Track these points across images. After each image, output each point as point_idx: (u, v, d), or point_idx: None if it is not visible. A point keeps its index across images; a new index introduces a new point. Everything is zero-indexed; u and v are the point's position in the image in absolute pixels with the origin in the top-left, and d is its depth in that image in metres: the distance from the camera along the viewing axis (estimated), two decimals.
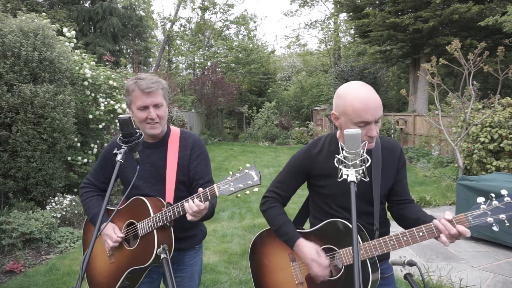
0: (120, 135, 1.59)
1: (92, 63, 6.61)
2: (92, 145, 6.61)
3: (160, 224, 1.69)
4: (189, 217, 1.60)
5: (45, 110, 5.00)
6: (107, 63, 8.08)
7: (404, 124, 12.88)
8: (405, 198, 1.76)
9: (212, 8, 29.50)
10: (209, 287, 3.68)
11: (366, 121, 1.52)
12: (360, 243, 1.56)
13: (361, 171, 1.28)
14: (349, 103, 1.54)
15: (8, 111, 4.81)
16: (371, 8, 16.17)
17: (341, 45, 27.22)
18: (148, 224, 1.72)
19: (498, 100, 6.88)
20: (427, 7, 13.50)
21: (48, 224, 4.74)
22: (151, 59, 28.64)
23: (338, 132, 1.77)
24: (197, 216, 1.60)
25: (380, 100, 1.55)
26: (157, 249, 1.68)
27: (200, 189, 1.61)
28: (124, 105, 6.79)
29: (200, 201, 1.58)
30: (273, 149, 17.10)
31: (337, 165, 1.32)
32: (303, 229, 1.79)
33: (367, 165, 1.31)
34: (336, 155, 1.33)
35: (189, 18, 33.43)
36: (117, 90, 7.01)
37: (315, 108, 22.34)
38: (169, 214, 1.68)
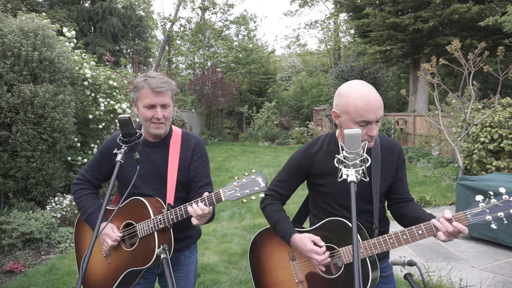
0: (120, 134, 1.59)
1: (92, 63, 6.61)
2: (92, 145, 6.61)
3: (161, 226, 1.69)
4: (194, 221, 1.59)
5: (45, 110, 5.01)
6: (107, 63, 8.08)
7: (404, 124, 12.89)
8: (405, 196, 1.77)
9: (212, 8, 29.51)
10: (209, 287, 3.68)
11: (368, 120, 1.52)
12: (359, 241, 1.56)
13: (361, 171, 1.29)
14: (351, 102, 1.54)
15: (8, 111, 4.81)
16: (371, 8, 16.17)
17: (341, 45, 27.23)
18: (148, 226, 1.71)
19: (498, 100, 6.88)
20: (427, 7, 13.50)
21: (48, 224, 4.74)
22: (151, 59, 28.64)
23: (337, 131, 1.78)
24: (201, 220, 1.60)
25: (381, 99, 1.56)
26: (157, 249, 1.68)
27: (206, 193, 1.60)
28: (124, 105, 6.79)
29: (205, 205, 1.58)
30: (273, 149, 17.10)
31: (337, 165, 1.33)
32: (303, 228, 1.80)
33: (367, 165, 1.31)
34: (336, 155, 1.34)
35: (189, 18, 33.49)
36: (117, 90, 7.01)
37: (315, 108, 22.36)
38: (171, 217, 1.68)
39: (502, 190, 1.37)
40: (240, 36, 31.17)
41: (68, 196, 5.57)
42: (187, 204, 1.64)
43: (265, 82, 26.47)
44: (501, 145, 6.91)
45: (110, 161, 1.90)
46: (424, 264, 4.11)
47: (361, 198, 1.67)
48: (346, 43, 26.89)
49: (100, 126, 6.61)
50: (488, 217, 1.36)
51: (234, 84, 21.58)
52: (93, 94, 6.44)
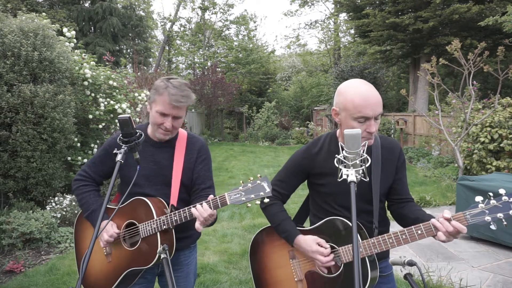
0: (120, 134, 1.59)
1: (92, 63, 6.61)
2: (92, 145, 6.61)
3: (164, 227, 1.69)
4: (198, 224, 1.59)
5: (45, 110, 5.01)
6: (107, 63, 8.08)
7: (404, 124, 12.89)
8: (405, 197, 1.77)
9: (212, 8, 29.50)
10: (209, 287, 3.68)
11: (366, 116, 1.53)
12: (359, 241, 1.56)
13: (361, 171, 1.29)
14: (349, 98, 1.55)
15: (8, 111, 4.81)
16: (371, 8, 16.16)
17: (341, 45, 27.23)
18: (151, 226, 1.72)
19: (498, 100, 6.88)
20: (427, 7, 13.50)
21: (48, 224, 4.74)
22: (151, 59, 28.64)
23: (337, 131, 1.78)
24: (204, 223, 1.60)
25: (380, 97, 1.57)
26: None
27: (211, 196, 1.61)
28: (124, 105, 6.79)
29: (210, 207, 1.58)
30: (273, 149, 17.10)
31: (337, 165, 1.33)
32: (303, 227, 1.80)
33: (367, 165, 1.31)
34: (336, 155, 1.34)
35: (189, 18, 33.47)
36: (117, 90, 7.01)
37: (315, 108, 22.36)
38: (175, 218, 1.68)
39: (501, 191, 1.38)
40: (240, 36, 31.19)
41: (68, 196, 5.57)
42: (191, 206, 1.64)
43: (265, 82, 26.47)
44: (501, 145, 6.91)
45: (112, 157, 1.91)
46: (424, 264, 4.11)
47: (361, 198, 1.67)
48: (346, 43, 26.90)
49: (100, 126, 6.61)
50: (488, 218, 1.37)
51: (234, 84, 21.58)
52: (93, 94, 6.44)
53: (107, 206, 1.92)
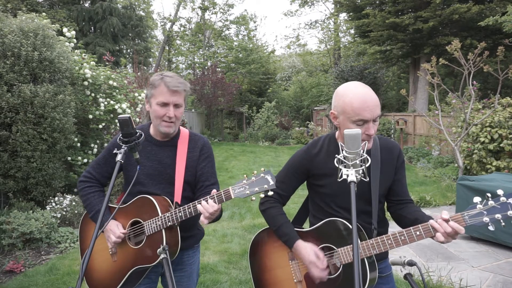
0: (121, 134, 1.59)
1: (92, 63, 6.62)
2: (92, 145, 6.62)
3: (169, 223, 1.70)
4: (203, 219, 1.59)
5: (45, 110, 5.01)
6: (107, 63, 8.08)
7: (404, 124, 12.89)
8: (404, 198, 1.77)
9: (212, 8, 29.51)
10: (209, 287, 3.68)
11: (364, 119, 1.54)
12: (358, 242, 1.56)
13: (361, 171, 1.29)
14: (348, 101, 1.56)
15: (8, 111, 4.81)
16: (371, 8, 16.17)
17: (341, 45, 27.24)
18: (156, 224, 1.72)
19: (498, 100, 6.88)
20: (427, 7, 13.50)
21: (48, 224, 4.74)
22: (151, 59, 28.63)
23: (337, 132, 1.79)
24: (210, 218, 1.61)
25: (378, 99, 1.57)
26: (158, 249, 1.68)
27: (214, 191, 1.62)
28: (124, 105, 6.79)
29: (214, 202, 1.59)
30: (273, 149, 17.10)
31: (337, 165, 1.33)
32: (302, 228, 1.80)
33: (367, 165, 1.31)
34: (336, 155, 1.34)
35: (189, 18, 33.48)
36: (117, 90, 7.01)
37: (315, 108, 22.37)
38: (180, 214, 1.69)
39: (500, 192, 1.38)
40: (240, 36, 31.21)
41: (68, 196, 5.57)
42: (195, 202, 1.65)
43: (265, 82, 26.47)
44: (501, 145, 6.91)
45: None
46: (424, 264, 4.12)
47: (360, 199, 1.67)
48: (346, 43, 26.91)
49: (100, 126, 6.61)
50: (486, 219, 1.37)
51: (234, 84, 21.59)
52: (93, 94, 6.45)
53: (112, 206, 1.94)
